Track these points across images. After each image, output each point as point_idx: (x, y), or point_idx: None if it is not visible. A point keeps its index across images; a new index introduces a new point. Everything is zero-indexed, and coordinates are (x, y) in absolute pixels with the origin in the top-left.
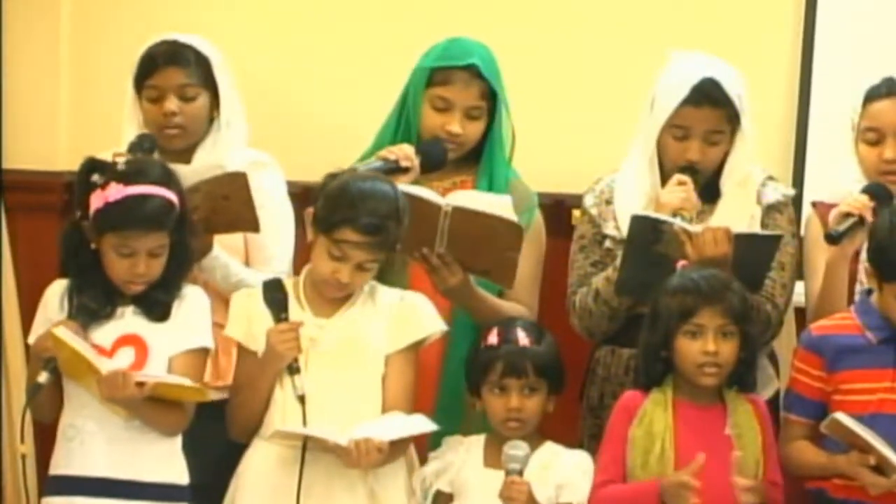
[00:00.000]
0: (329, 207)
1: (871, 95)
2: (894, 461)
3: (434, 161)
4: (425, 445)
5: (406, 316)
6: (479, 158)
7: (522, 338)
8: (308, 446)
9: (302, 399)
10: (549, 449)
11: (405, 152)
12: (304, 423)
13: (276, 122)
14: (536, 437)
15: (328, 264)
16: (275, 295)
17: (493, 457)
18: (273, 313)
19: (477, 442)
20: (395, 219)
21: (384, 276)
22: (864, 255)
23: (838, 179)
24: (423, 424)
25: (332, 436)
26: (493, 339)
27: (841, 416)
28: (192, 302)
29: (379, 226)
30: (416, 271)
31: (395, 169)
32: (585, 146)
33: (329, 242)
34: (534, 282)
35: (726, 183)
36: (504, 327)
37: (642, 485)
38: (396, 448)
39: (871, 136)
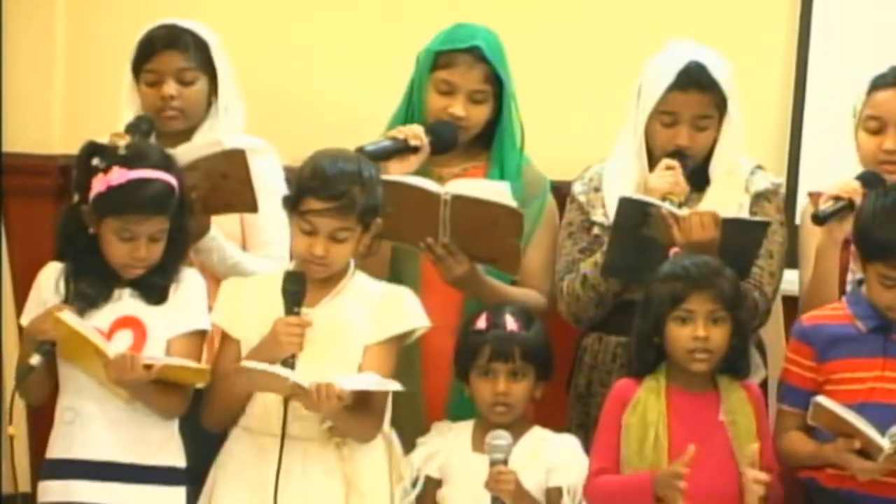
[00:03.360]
0: (294, 185)
1: (877, 84)
2: (878, 440)
3: (445, 141)
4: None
5: (389, 308)
6: (490, 145)
7: (510, 322)
8: (287, 434)
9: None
10: (537, 434)
11: (413, 131)
12: (284, 420)
13: (275, 108)
14: (524, 422)
15: (302, 241)
16: (293, 287)
17: (481, 442)
18: (286, 304)
19: (465, 427)
20: (358, 183)
21: (396, 268)
22: None
23: (833, 169)
24: (390, 384)
25: (294, 376)
26: (481, 323)
27: (822, 400)
28: (189, 284)
29: (342, 190)
30: (427, 264)
31: (404, 148)
32: (582, 134)
33: (298, 219)
34: (547, 267)
35: (715, 170)
36: (492, 312)
37: (636, 477)
38: (366, 413)
39: (873, 124)
